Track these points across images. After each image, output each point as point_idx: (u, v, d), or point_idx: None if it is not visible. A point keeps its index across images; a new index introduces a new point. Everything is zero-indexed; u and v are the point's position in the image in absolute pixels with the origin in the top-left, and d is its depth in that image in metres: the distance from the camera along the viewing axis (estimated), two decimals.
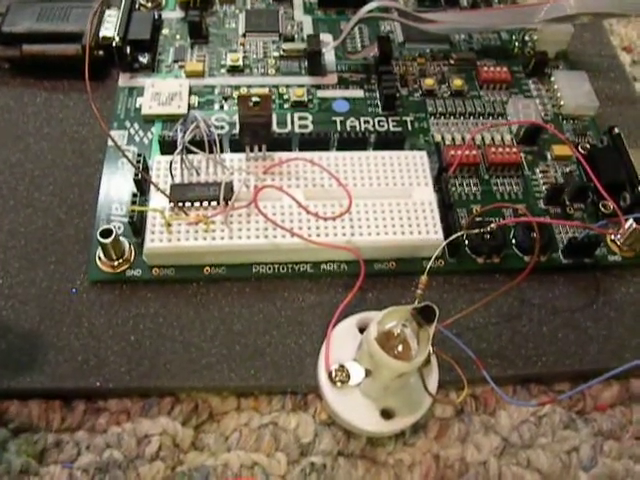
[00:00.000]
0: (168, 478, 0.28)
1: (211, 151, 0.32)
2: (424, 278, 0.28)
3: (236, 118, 0.36)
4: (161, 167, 0.32)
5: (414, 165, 0.34)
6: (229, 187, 0.31)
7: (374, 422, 0.27)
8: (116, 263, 0.31)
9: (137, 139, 0.36)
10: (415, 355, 0.25)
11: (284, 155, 0.33)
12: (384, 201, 0.32)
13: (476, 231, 0.31)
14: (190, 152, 0.32)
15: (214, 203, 0.31)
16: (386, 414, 0.27)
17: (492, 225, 0.30)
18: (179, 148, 0.31)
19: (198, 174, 0.32)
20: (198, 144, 0.31)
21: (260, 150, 0.33)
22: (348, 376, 0.27)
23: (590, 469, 0.29)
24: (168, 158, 0.32)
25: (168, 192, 0.31)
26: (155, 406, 0.29)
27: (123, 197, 0.33)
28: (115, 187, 0.34)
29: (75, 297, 0.31)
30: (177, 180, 0.32)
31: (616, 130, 0.37)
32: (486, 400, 0.30)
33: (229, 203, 0.31)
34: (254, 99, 0.31)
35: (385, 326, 0.25)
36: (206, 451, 0.28)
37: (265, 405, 0.30)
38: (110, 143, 0.35)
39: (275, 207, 0.31)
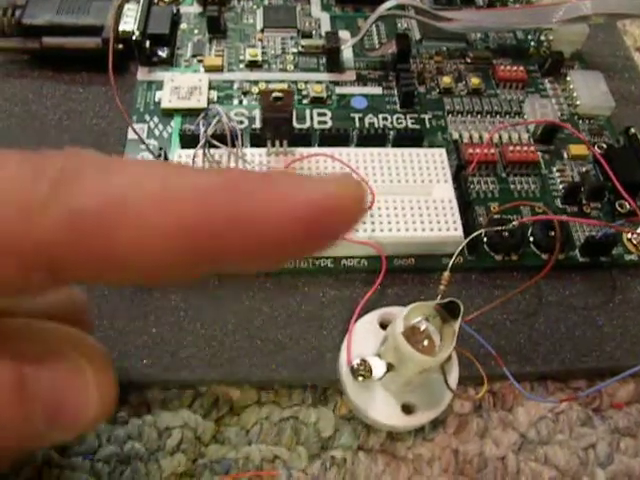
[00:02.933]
0: (189, 470, 0.28)
1: (233, 145, 0.32)
2: (447, 274, 0.28)
3: (255, 113, 0.37)
4: (182, 161, 0.33)
5: (434, 162, 0.34)
6: None
7: (395, 417, 0.27)
8: None
9: (157, 133, 0.36)
10: (439, 350, 0.25)
11: (305, 150, 0.33)
12: (404, 197, 0.32)
13: (497, 228, 0.31)
14: (212, 146, 0.32)
15: None
16: (407, 409, 0.28)
17: (514, 222, 0.30)
18: (202, 142, 0.31)
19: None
20: (219, 138, 0.32)
21: (281, 145, 0.33)
22: (370, 371, 0.27)
23: (607, 466, 0.29)
24: (189, 152, 0.32)
25: None
26: (176, 399, 0.29)
27: None
28: None
29: (95, 291, 0.31)
30: None
31: (632, 130, 0.37)
32: (504, 396, 0.31)
33: None
34: (275, 94, 0.31)
35: (411, 321, 0.25)
36: (227, 444, 0.29)
37: (285, 399, 0.30)
38: (130, 136, 0.35)
39: None
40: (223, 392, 0.30)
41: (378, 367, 0.27)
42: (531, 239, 0.33)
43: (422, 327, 0.25)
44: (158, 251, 0.13)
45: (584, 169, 0.37)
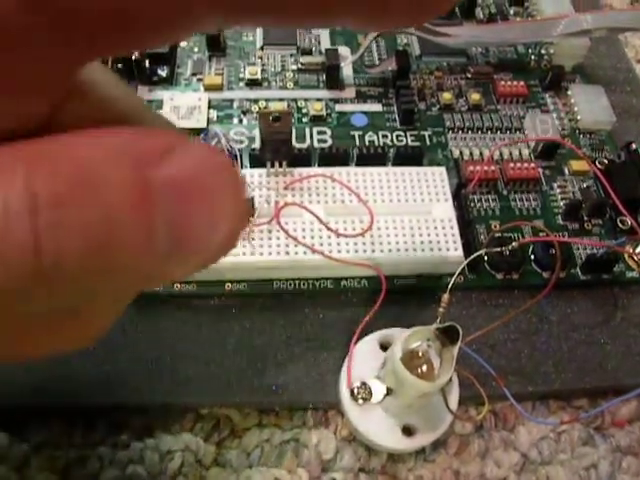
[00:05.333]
0: None
1: None
2: (446, 296, 0.28)
3: (255, 132, 0.37)
4: None
5: (433, 181, 0.34)
6: (250, 203, 0.31)
7: (396, 439, 0.27)
8: None
9: None
10: (439, 374, 0.25)
11: (304, 171, 0.33)
12: (404, 217, 0.32)
13: (498, 249, 0.31)
14: None
15: None
16: (407, 431, 0.28)
17: (514, 243, 0.30)
18: None
19: None
20: None
21: (280, 166, 0.33)
22: (370, 393, 0.27)
23: None
24: None
25: None
26: (177, 422, 0.29)
27: None
28: None
29: None
30: None
31: (633, 146, 0.37)
32: (505, 416, 0.31)
33: (250, 219, 0.31)
34: (274, 115, 0.31)
35: (410, 346, 0.25)
36: (228, 467, 0.29)
37: (286, 421, 0.30)
38: None
39: (296, 223, 0.31)
40: (224, 415, 0.30)
41: (378, 390, 0.27)
42: (532, 257, 0.33)
43: (421, 352, 0.26)
44: None
45: (585, 185, 0.37)
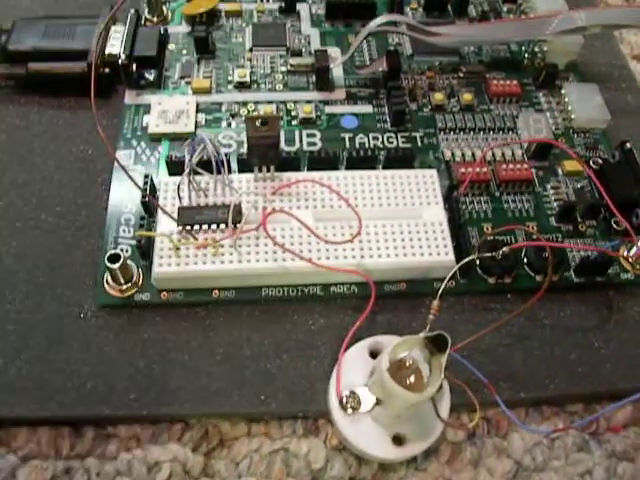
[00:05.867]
0: None
1: (219, 172, 0.31)
2: (436, 303, 0.28)
3: (244, 136, 0.36)
4: (169, 189, 0.32)
5: (424, 184, 0.33)
6: (237, 209, 0.31)
7: (385, 449, 0.27)
8: (124, 287, 0.31)
9: (144, 158, 0.36)
10: (428, 383, 0.25)
11: (293, 175, 0.33)
12: (394, 222, 0.32)
13: (489, 254, 0.30)
14: (197, 174, 0.31)
15: (222, 226, 0.31)
16: (398, 440, 0.27)
17: (505, 249, 0.30)
18: (186, 170, 0.31)
19: (206, 196, 0.32)
20: (205, 165, 0.31)
21: (268, 170, 0.32)
22: (359, 403, 0.27)
23: None
24: (175, 179, 0.32)
25: (176, 215, 0.31)
26: (165, 432, 0.29)
27: (131, 219, 0.33)
28: (123, 208, 0.33)
29: (83, 322, 0.30)
30: (185, 202, 0.31)
31: (628, 145, 0.36)
32: (498, 423, 0.30)
33: (238, 226, 0.30)
34: (261, 119, 0.31)
35: (397, 356, 0.25)
36: (217, 477, 0.28)
37: (276, 430, 0.29)
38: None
39: (284, 229, 0.31)
40: (212, 424, 0.29)
41: (367, 399, 0.27)
42: (525, 261, 0.33)
43: (408, 362, 0.25)
44: None
45: (579, 185, 0.36)
